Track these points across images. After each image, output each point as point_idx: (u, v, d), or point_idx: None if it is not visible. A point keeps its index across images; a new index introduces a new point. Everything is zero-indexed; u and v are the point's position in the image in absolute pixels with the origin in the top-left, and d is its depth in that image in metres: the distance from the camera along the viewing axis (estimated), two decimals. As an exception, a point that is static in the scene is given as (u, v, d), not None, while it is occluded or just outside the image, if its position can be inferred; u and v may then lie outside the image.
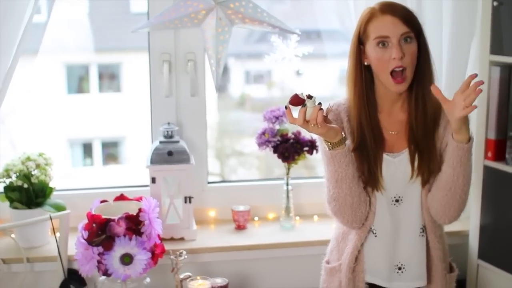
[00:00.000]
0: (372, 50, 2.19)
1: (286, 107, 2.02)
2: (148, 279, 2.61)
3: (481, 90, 1.99)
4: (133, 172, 3.55)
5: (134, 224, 2.47)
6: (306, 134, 2.95)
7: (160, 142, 2.84)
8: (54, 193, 2.81)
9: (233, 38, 2.75)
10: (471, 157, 2.15)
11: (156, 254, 2.53)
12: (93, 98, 3.73)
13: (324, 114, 2.01)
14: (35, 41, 2.69)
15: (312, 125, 2.01)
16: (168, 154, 2.80)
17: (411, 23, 2.17)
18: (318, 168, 3.46)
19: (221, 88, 3.38)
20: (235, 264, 2.87)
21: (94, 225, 2.46)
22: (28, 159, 2.75)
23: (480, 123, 2.76)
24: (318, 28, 3.03)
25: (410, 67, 2.17)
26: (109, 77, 3.84)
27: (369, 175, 2.23)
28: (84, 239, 2.47)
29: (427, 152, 2.23)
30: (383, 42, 2.16)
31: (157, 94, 3.00)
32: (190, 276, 2.64)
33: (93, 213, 2.51)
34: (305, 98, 1.99)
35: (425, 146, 2.23)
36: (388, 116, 2.28)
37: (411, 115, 2.25)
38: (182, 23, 2.69)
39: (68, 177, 3.37)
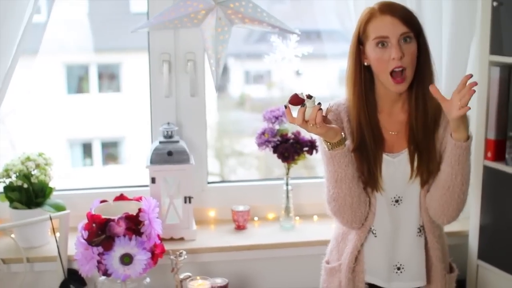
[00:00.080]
0: (371, 50, 2.19)
1: (285, 107, 2.02)
2: (148, 279, 2.61)
3: (474, 91, 1.99)
4: (132, 172, 3.55)
5: (134, 224, 2.47)
6: (306, 134, 2.95)
7: (160, 142, 2.84)
8: (54, 193, 2.81)
9: (233, 38, 2.75)
10: (469, 156, 2.15)
11: (156, 254, 2.53)
12: (92, 98, 3.73)
13: (324, 114, 2.01)
14: (35, 41, 2.69)
15: (311, 125, 2.01)
16: (168, 154, 2.80)
17: (411, 23, 2.17)
18: (318, 168, 3.46)
19: (221, 88, 3.38)
20: (235, 264, 2.87)
21: (94, 225, 2.46)
22: (28, 159, 2.75)
23: (479, 123, 2.76)
24: (318, 28, 3.03)
25: (410, 67, 2.17)
26: (109, 77, 3.84)
27: (368, 175, 2.23)
28: (84, 239, 2.47)
29: (427, 153, 2.23)
30: (382, 42, 2.16)
31: (157, 94, 3.00)
32: (190, 276, 2.64)
33: (93, 213, 2.51)
34: (305, 98, 1.99)
35: (425, 147, 2.23)
36: (388, 116, 2.28)
37: (411, 115, 2.25)
38: (182, 23, 2.69)
39: (68, 177, 3.37)
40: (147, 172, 2.80)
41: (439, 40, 2.81)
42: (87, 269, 2.49)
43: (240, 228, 3.00)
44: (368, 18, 2.19)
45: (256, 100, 3.81)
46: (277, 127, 2.97)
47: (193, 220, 2.90)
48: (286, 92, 3.63)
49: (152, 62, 2.98)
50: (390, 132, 2.28)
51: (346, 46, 2.32)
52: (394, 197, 2.26)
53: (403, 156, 2.25)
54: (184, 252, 2.64)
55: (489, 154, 2.74)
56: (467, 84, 2.00)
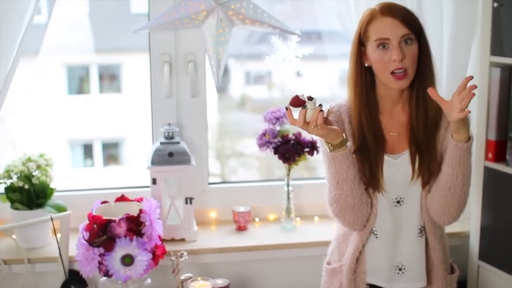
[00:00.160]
0: (372, 52, 2.19)
1: (286, 109, 2.02)
2: (149, 280, 2.62)
3: (474, 94, 1.99)
4: (133, 173, 3.55)
5: (135, 225, 2.47)
6: (306, 135, 2.95)
7: (161, 143, 2.84)
8: (55, 194, 2.82)
9: (234, 39, 2.75)
10: (470, 157, 2.15)
11: (157, 255, 2.54)
12: (93, 99, 3.74)
13: (325, 116, 2.01)
14: (36, 42, 2.69)
15: (312, 126, 2.01)
16: (169, 155, 2.81)
17: (412, 25, 2.17)
18: (319, 169, 3.46)
19: (222, 89, 3.38)
20: (236, 265, 2.87)
21: (95, 226, 2.46)
22: (29, 160, 2.76)
23: (480, 124, 2.76)
24: (318, 29, 3.03)
25: (411, 68, 2.17)
26: (110, 77, 3.85)
27: (370, 176, 2.23)
28: (85, 240, 2.47)
29: (428, 153, 2.23)
30: (383, 44, 2.16)
31: (158, 95, 3.00)
32: (191, 277, 2.64)
33: (94, 214, 2.52)
34: (306, 99, 1.99)
35: (426, 147, 2.23)
36: (389, 117, 2.28)
37: (412, 116, 2.25)
38: (183, 24, 2.69)
39: (68, 178, 3.37)
40: (148, 173, 2.81)
41: (439, 41, 2.81)
42: (88, 270, 2.49)
43: (241, 229, 3.00)
44: (369, 20, 2.19)
45: (256, 101, 3.82)
46: (278, 128, 2.97)
47: (194, 221, 2.90)
48: (286, 93, 3.63)
49: (153, 63, 2.99)
50: (391, 133, 2.28)
51: (346, 47, 2.32)
52: (396, 198, 2.26)
53: (404, 157, 2.25)
54: (185, 253, 2.64)
55: (489, 155, 2.74)
56: (467, 86, 2.00)
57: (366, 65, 2.23)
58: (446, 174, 2.17)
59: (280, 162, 2.97)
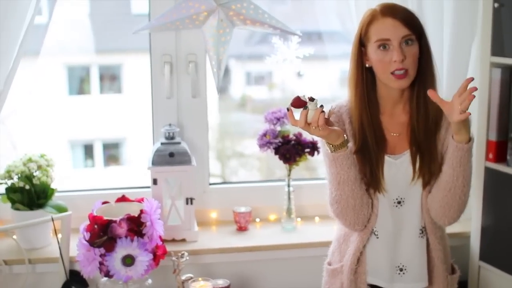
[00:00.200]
0: (373, 53, 2.19)
1: (288, 109, 2.02)
2: (149, 281, 2.62)
3: (474, 96, 1.99)
4: (134, 173, 3.56)
5: (136, 226, 2.47)
6: (307, 136, 2.95)
7: (162, 144, 2.84)
8: (56, 194, 2.82)
9: (234, 39, 2.74)
10: (471, 158, 2.15)
11: (157, 255, 2.54)
12: (94, 99, 3.74)
13: (326, 117, 2.01)
14: (37, 42, 2.69)
15: (314, 127, 2.01)
16: (170, 156, 2.81)
17: (412, 25, 2.17)
18: (320, 170, 3.46)
19: (222, 89, 3.38)
20: (237, 265, 2.87)
21: (95, 226, 2.46)
22: (30, 160, 2.76)
23: (481, 125, 2.76)
24: (319, 29, 3.03)
25: (412, 68, 2.16)
26: (110, 78, 3.85)
27: (371, 177, 2.23)
28: (86, 240, 2.47)
29: (429, 154, 2.23)
30: (384, 44, 2.16)
31: (158, 96, 3.00)
32: (191, 278, 2.64)
33: (95, 214, 2.52)
34: (307, 100, 1.99)
35: (427, 148, 2.23)
36: (389, 117, 2.28)
37: (413, 116, 2.25)
38: (184, 25, 2.69)
39: (69, 179, 3.37)
40: (148, 173, 2.81)
41: (440, 41, 2.81)
42: (89, 270, 2.49)
43: (241, 229, 3.00)
44: (370, 20, 2.19)
45: (257, 101, 3.82)
46: (278, 128, 2.97)
47: (195, 221, 2.90)
48: (287, 93, 3.63)
49: (154, 63, 2.99)
50: (392, 134, 2.28)
51: (347, 47, 2.32)
52: (396, 199, 2.26)
53: (405, 158, 2.25)
54: (186, 254, 2.64)
55: (490, 156, 2.74)
56: (467, 88, 2.00)
57: (366, 65, 2.23)
58: (447, 175, 2.17)
59: (281, 162, 2.97)
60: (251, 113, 3.77)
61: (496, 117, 2.70)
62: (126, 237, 2.44)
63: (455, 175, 2.15)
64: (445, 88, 2.78)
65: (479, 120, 2.77)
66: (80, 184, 3.28)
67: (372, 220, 2.26)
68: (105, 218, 2.47)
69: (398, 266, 2.30)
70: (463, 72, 2.84)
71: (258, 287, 2.94)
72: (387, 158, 2.25)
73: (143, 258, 2.45)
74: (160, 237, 2.56)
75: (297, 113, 2.01)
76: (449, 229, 2.43)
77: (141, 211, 2.50)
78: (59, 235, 2.66)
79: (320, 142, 2.23)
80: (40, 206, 2.75)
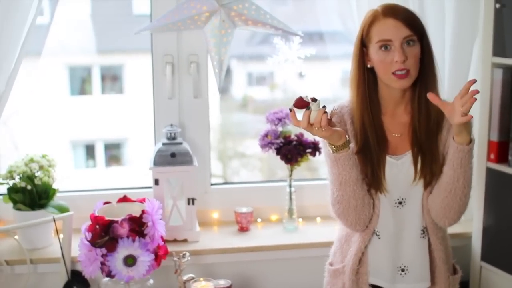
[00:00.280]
0: (374, 53, 2.19)
1: (290, 110, 2.02)
2: (151, 281, 2.62)
3: (475, 99, 1.98)
4: (136, 173, 3.55)
5: (137, 226, 2.48)
6: (309, 136, 2.95)
7: (163, 144, 2.84)
8: (57, 194, 2.82)
9: (236, 40, 2.75)
10: (472, 159, 2.15)
11: (159, 255, 2.54)
12: (95, 100, 3.74)
13: (328, 117, 2.01)
14: (38, 43, 2.69)
15: (316, 128, 2.01)
16: (171, 156, 2.81)
17: (414, 26, 2.17)
18: (321, 170, 3.46)
19: (224, 90, 3.38)
20: (238, 265, 2.87)
21: (97, 226, 2.47)
22: (32, 160, 2.76)
23: (482, 125, 2.76)
24: (320, 29, 3.03)
25: (413, 69, 2.17)
26: (112, 78, 3.85)
27: (372, 177, 2.23)
28: (88, 240, 2.47)
29: (430, 155, 2.23)
30: (385, 45, 2.16)
31: (160, 96, 3.00)
32: (193, 278, 2.64)
33: (96, 214, 2.52)
34: (310, 101, 1.99)
35: (428, 149, 2.23)
36: (391, 118, 2.28)
37: (414, 117, 2.25)
38: (185, 25, 2.69)
39: (70, 179, 3.37)
40: (150, 173, 2.81)
41: (441, 42, 2.81)
42: (90, 271, 2.49)
43: (243, 229, 3.01)
44: (371, 21, 2.19)
45: (258, 101, 3.82)
46: (280, 129, 2.97)
47: (196, 221, 2.90)
48: (289, 94, 3.63)
49: (155, 64, 2.99)
50: (394, 134, 2.28)
51: (348, 48, 2.33)
52: (398, 199, 2.26)
53: (407, 158, 2.25)
54: (188, 254, 2.64)
55: (492, 156, 2.74)
56: (469, 90, 2.00)
57: (368, 66, 2.23)
58: (447, 176, 2.17)
59: (282, 163, 2.97)
60: (253, 114, 3.77)
61: (498, 117, 2.70)
62: (127, 237, 2.44)
63: (455, 177, 2.15)
64: (446, 89, 2.78)
65: (480, 121, 2.77)
66: (81, 185, 3.28)
67: (373, 221, 2.26)
68: (107, 218, 2.48)
69: (400, 267, 2.30)
70: (464, 72, 2.84)
71: (260, 287, 2.94)
72: (388, 159, 2.25)
73: (145, 258, 2.45)
74: (161, 237, 2.56)
75: (300, 114, 2.02)
76: (451, 230, 2.43)
77: (143, 212, 2.50)
78: (61, 235, 2.66)
79: (322, 143, 2.23)
80: (42, 206, 2.75)
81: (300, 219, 3.10)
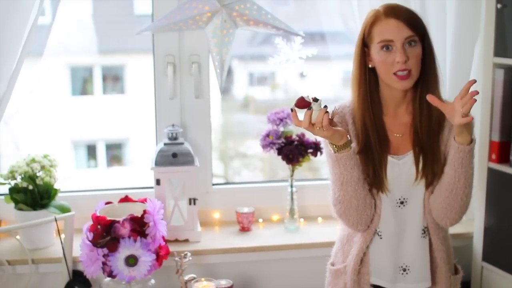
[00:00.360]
0: (376, 53, 2.19)
1: (292, 110, 2.02)
2: (152, 281, 2.62)
3: (475, 100, 1.98)
4: (137, 173, 3.55)
5: (139, 226, 2.48)
6: (310, 136, 2.95)
7: (165, 144, 2.85)
8: (59, 194, 2.82)
9: (237, 40, 2.75)
10: (473, 159, 2.15)
11: (160, 255, 2.54)
12: (97, 100, 3.74)
13: (330, 117, 2.01)
14: (40, 43, 2.69)
15: (318, 128, 2.01)
16: (173, 156, 2.81)
17: (416, 26, 2.17)
18: (322, 170, 3.46)
19: (225, 90, 3.38)
20: (240, 265, 2.87)
21: (99, 226, 2.47)
22: (33, 160, 2.76)
23: (484, 125, 2.76)
24: (322, 30, 3.02)
25: (415, 69, 2.17)
26: (113, 78, 3.84)
27: (374, 177, 2.23)
28: (89, 240, 2.47)
29: (431, 154, 2.23)
30: (387, 46, 2.16)
31: (162, 96, 3.01)
32: (194, 278, 2.64)
33: (98, 214, 2.52)
34: (311, 101, 1.99)
35: (430, 149, 2.23)
36: (393, 118, 2.28)
37: (416, 117, 2.25)
38: (187, 25, 2.69)
39: (72, 179, 3.37)
40: (151, 173, 2.81)
41: (443, 42, 2.81)
42: (92, 271, 2.49)
43: (244, 229, 3.01)
44: (373, 21, 2.19)
45: (260, 102, 3.81)
46: (281, 129, 2.97)
47: (198, 221, 2.90)
48: (290, 94, 3.63)
49: (157, 64, 2.99)
50: (395, 134, 2.28)
51: (350, 48, 2.33)
52: (399, 199, 2.26)
53: (408, 158, 2.25)
54: (189, 254, 2.65)
55: (493, 156, 2.74)
56: (469, 91, 2.00)
57: (370, 66, 2.24)
58: (449, 176, 2.17)
59: (284, 163, 2.97)
60: (254, 114, 3.76)
61: (499, 117, 2.70)
62: (129, 237, 2.44)
63: (456, 177, 2.15)
64: (448, 89, 2.78)
65: (482, 121, 2.77)
66: (83, 185, 3.28)
67: (375, 221, 2.27)
68: (108, 218, 2.48)
69: (401, 266, 2.30)
70: (466, 72, 2.84)
71: (261, 287, 2.94)
72: (390, 159, 2.25)
73: (146, 259, 2.46)
74: (163, 237, 2.56)
75: (301, 114, 2.02)
76: (452, 230, 2.43)
77: (144, 212, 2.50)
78: (62, 236, 2.66)
79: (323, 143, 2.23)
80: (43, 206, 2.75)
81: (302, 219, 3.11)
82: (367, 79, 2.24)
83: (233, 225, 3.04)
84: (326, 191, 2.31)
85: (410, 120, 2.27)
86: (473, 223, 2.88)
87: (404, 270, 2.30)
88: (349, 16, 2.91)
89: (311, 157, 2.98)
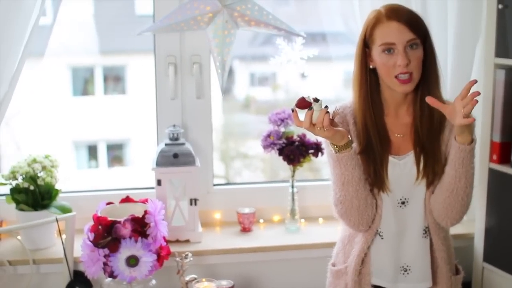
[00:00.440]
0: (377, 56, 2.19)
1: (292, 110, 2.02)
2: (153, 281, 2.62)
3: (477, 101, 1.98)
4: (138, 174, 3.55)
5: (140, 226, 2.48)
6: (311, 137, 2.95)
7: (166, 144, 2.85)
8: (60, 195, 2.82)
9: (238, 40, 2.75)
10: (473, 159, 2.15)
11: (161, 256, 2.54)
12: (98, 100, 3.74)
13: (331, 117, 2.01)
14: (41, 44, 2.69)
15: (319, 128, 2.01)
16: (174, 156, 2.81)
17: (417, 29, 2.16)
18: (323, 171, 3.46)
19: (226, 90, 3.38)
20: (241, 266, 2.87)
21: (100, 227, 2.47)
22: (34, 161, 2.76)
23: (485, 126, 2.76)
24: (323, 30, 3.02)
25: (416, 71, 2.17)
26: (114, 79, 3.85)
27: (375, 177, 2.23)
28: (90, 241, 2.47)
29: (432, 155, 2.23)
30: (388, 49, 2.16)
31: (163, 96, 3.01)
32: (195, 278, 2.64)
33: (99, 215, 2.52)
34: (312, 101, 1.99)
35: (430, 149, 2.23)
36: (394, 118, 2.28)
37: (417, 118, 2.25)
38: (188, 26, 2.69)
39: (73, 179, 3.38)
40: (152, 174, 2.81)
41: (444, 42, 2.81)
42: (93, 271, 2.49)
43: (245, 230, 3.01)
44: (374, 23, 2.19)
45: (261, 102, 3.82)
46: (282, 129, 2.97)
47: (199, 222, 2.90)
48: (291, 94, 3.63)
49: (158, 65, 2.99)
50: (396, 135, 2.28)
51: (351, 48, 2.33)
52: (400, 199, 2.26)
53: (409, 158, 2.25)
54: (190, 254, 2.65)
55: (494, 157, 2.74)
56: (470, 91, 2.00)
57: (371, 67, 2.24)
58: (449, 176, 2.17)
59: (285, 163, 2.97)
60: (255, 114, 3.77)
61: (500, 118, 2.70)
62: (130, 237, 2.44)
63: (457, 176, 2.15)
64: (449, 89, 2.78)
65: (483, 122, 2.77)
66: (84, 185, 3.28)
67: (376, 221, 2.27)
68: (109, 218, 2.48)
69: (402, 267, 2.30)
70: (467, 73, 2.84)
71: (262, 288, 2.95)
72: (391, 159, 2.25)
73: (147, 259, 2.46)
74: (164, 237, 2.56)
75: (302, 114, 2.02)
76: (453, 230, 2.43)
77: (145, 212, 2.50)
78: (64, 236, 2.66)
79: (324, 143, 2.23)
80: (45, 206, 2.75)
81: (303, 220, 3.11)
82: (368, 79, 2.24)
83: (234, 226, 3.04)
84: (327, 191, 2.31)
85: (411, 121, 2.27)
86: (474, 223, 2.88)
87: (405, 270, 2.30)
88: (350, 17, 2.91)
89: (312, 158, 2.98)
